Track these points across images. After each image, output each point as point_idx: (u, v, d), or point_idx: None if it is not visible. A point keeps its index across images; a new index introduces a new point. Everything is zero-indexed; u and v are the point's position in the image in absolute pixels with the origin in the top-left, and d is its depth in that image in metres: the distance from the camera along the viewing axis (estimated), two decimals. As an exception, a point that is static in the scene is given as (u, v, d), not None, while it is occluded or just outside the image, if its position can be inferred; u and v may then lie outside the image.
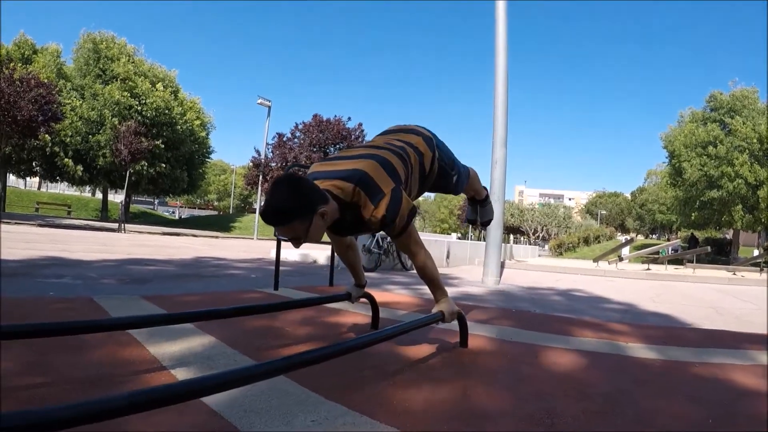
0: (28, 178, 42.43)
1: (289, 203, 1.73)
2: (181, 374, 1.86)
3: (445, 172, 2.51)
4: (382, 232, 8.01)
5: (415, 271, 2.53)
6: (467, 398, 1.74)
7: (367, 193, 1.90)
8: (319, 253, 10.12)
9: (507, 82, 7.56)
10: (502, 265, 12.35)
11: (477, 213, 3.16)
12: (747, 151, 26.64)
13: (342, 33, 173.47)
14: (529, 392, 1.84)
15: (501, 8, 7.66)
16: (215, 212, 74.81)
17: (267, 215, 1.75)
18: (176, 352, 2.20)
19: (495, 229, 7.46)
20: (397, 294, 5.10)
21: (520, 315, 3.99)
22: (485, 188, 3.11)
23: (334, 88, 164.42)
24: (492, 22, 7.75)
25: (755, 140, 26.33)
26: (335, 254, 3.00)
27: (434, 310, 2.28)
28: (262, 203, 1.87)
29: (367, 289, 2.85)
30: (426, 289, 2.46)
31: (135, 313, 3.00)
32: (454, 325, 2.51)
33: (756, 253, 21.05)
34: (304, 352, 1.52)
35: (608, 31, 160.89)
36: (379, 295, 4.00)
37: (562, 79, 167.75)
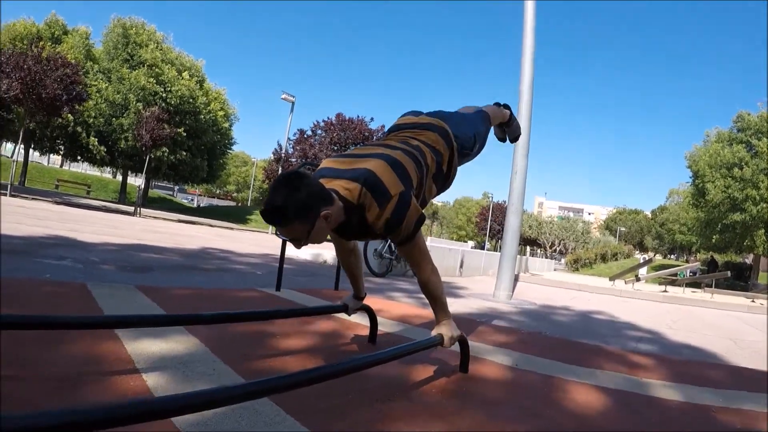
0: (50, 155, 42.94)
1: (290, 203, 1.62)
2: (152, 380, 1.72)
3: (466, 155, 2.49)
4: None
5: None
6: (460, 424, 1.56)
7: (373, 195, 1.78)
8: (330, 253, 9.90)
9: (532, 91, 7.33)
10: (516, 278, 12.12)
11: (504, 133, 3.16)
12: (774, 174, 25.97)
13: (370, 33, 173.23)
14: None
15: (529, 20, 7.47)
16: (234, 203, 75.18)
17: (266, 214, 1.64)
18: (155, 353, 2.05)
19: (510, 241, 7.23)
20: (401, 303, 4.91)
21: (531, 337, 3.79)
22: (506, 108, 3.04)
23: (359, 87, 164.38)
24: (520, 30, 7.56)
25: (782, 164, 25.68)
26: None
27: (433, 333, 2.11)
28: (264, 202, 1.69)
29: (371, 296, 2.70)
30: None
31: (125, 305, 2.88)
32: (456, 345, 2.32)
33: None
34: (283, 376, 1.36)
35: (637, 46, 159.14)
36: (382, 303, 3.83)
37: (588, 93, 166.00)
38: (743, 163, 26.74)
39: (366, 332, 2.85)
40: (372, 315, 2.70)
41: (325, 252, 9.91)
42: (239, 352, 2.25)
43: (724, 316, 9.07)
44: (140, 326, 2.09)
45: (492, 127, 2.97)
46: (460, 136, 2.39)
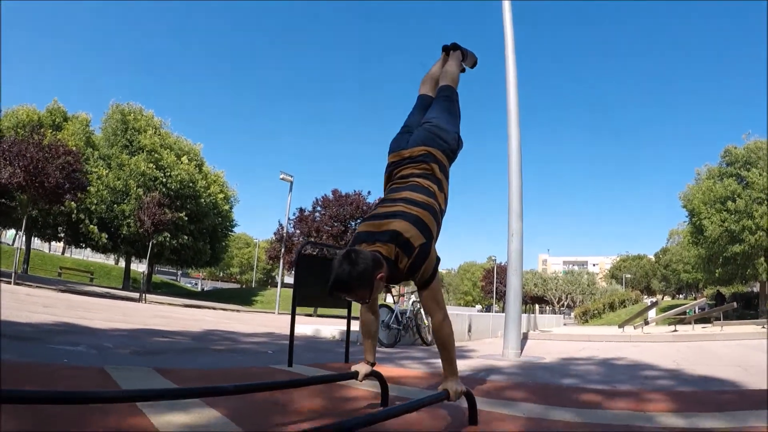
0: (52, 243, 43.19)
1: (354, 276, 2.05)
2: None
3: (455, 155, 2.84)
4: (400, 308, 7.93)
5: (433, 347, 2.54)
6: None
7: (403, 250, 2.25)
8: (328, 328, 10.35)
9: (520, 154, 7.61)
10: (526, 337, 12.09)
11: (464, 66, 3.42)
12: (766, 202, 26.39)
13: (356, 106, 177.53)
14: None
15: (512, 93, 7.85)
16: (238, 285, 74.98)
17: (335, 288, 2.09)
18: (180, 424, 2.17)
19: (513, 300, 7.34)
20: (410, 369, 4.99)
21: (537, 388, 3.88)
22: (453, 50, 3.37)
23: (352, 157, 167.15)
24: (503, 98, 7.94)
25: (773, 191, 26.11)
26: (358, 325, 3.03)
27: (440, 388, 2.31)
28: (331, 277, 2.12)
29: (381, 365, 2.81)
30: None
31: (144, 384, 3.00)
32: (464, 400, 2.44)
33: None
34: None
35: (619, 92, 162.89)
36: (392, 371, 3.93)
37: (578, 146, 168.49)
38: (736, 196, 27.20)
39: (378, 399, 2.90)
40: (382, 379, 2.78)
41: (323, 328, 10.38)
42: (258, 422, 2.37)
43: (734, 345, 9.11)
44: (162, 399, 2.21)
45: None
46: (449, 140, 2.74)
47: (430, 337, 9.04)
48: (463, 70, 3.41)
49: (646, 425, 2.46)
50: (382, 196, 2.70)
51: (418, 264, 2.26)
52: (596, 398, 3.25)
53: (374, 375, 2.73)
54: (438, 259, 2.37)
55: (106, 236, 32.46)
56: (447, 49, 3.41)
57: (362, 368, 2.65)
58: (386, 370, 4.06)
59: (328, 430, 1.56)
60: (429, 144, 2.67)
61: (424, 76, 3.31)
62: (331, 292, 2.11)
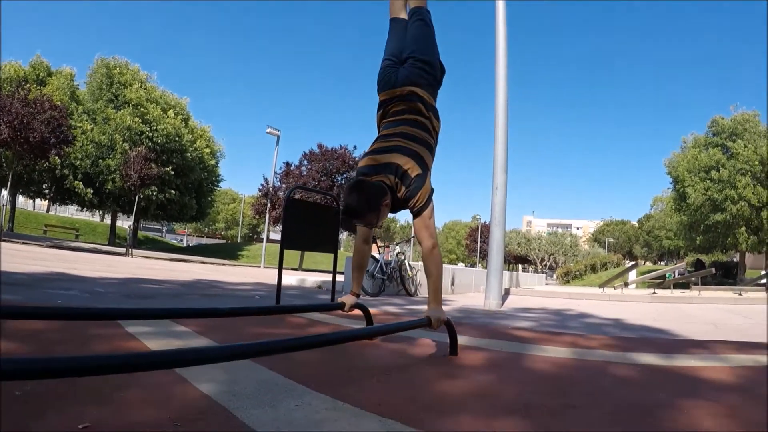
0: (37, 200, 42.82)
1: (362, 203, 2.33)
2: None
3: (439, 83, 2.95)
4: (384, 259, 8.03)
5: (416, 297, 2.70)
6: (449, 391, 1.83)
7: (402, 181, 2.48)
8: (313, 278, 10.62)
9: (507, 107, 7.63)
10: (507, 292, 12.31)
11: None
12: (749, 173, 26.76)
13: (347, 59, 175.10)
14: (511, 390, 1.92)
15: (501, 47, 7.82)
16: (223, 241, 74.87)
17: (346, 213, 2.36)
18: (173, 347, 2.30)
19: (496, 252, 7.47)
20: (393, 313, 5.16)
21: (507, 331, 4.07)
22: None
23: (340, 112, 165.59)
24: (492, 59, 7.92)
25: (757, 162, 26.47)
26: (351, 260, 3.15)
27: (423, 315, 2.49)
28: (340, 205, 2.47)
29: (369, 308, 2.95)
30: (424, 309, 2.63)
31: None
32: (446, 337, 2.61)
33: (763, 272, 20.85)
34: (287, 339, 1.61)
35: (611, 58, 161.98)
36: (376, 311, 4.07)
37: (568, 107, 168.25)
38: (720, 166, 27.51)
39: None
40: (366, 309, 2.94)
41: (309, 278, 10.66)
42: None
43: (710, 309, 9.24)
44: (157, 318, 2.33)
45: None
46: (433, 72, 2.86)
47: (413, 288, 9.22)
48: None
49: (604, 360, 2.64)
50: (376, 134, 2.81)
51: (414, 192, 2.48)
52: (551, 337, 3.44)
53: (359, 307, 2.88)
54: (432, 190, 2.62)
55: (92, 192, 32.22)
56: None
57: (348, 299, 2.81)
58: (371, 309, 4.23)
59: (318, 339, 1.68)
60: (416, 83, 2.76)
61: None
62: (343, 219, 2.43)
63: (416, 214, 2.54)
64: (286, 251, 4.36)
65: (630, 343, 3.43)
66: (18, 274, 6.20)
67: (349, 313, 2.90)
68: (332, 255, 4.91)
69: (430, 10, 3.07)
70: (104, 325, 2.69)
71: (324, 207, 5.30)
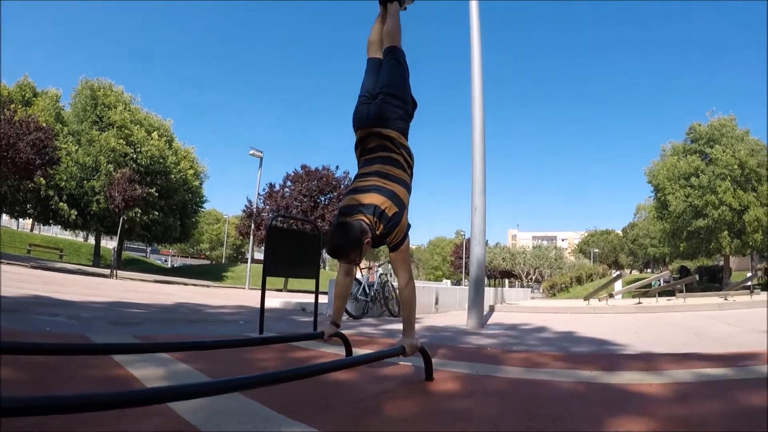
0: (20, 220, 42.45)
1: (346, 243, 2.50)
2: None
3: (411, 117, 3.14)
4: (368, 280, 8.12)
5: (400, 317, 2.87)
6: (421, 415, 1.94)
7: (380, 220, 2.62)
8: (296, 299, 10.76)
9: (484, 132, 7.81)
10: (492, 309, 12.38)
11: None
12: (729, 177, 27.10)
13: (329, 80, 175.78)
14: (482, 414, 2.03)
15: (476, 74, 8.01)
16: (208, 261, 74.35)
17: (332, 253, 2.57)
18: (157, 377, 2.40)
19: (477, 271, 7.59)
20: (375, 338, 5.24)
21: (487, 353, 4.20)
22: (396, 6, 3.44)
23: (322, 133, 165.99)
24: (467, 82, 8.10)
25: (736, 166, 26.83)
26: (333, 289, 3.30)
27: (397, 344, 2.65)
28: (326, 243, 2.71)
29: (346, 331, 3.07)
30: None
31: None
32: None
33: (749, 275, 21.07)
34: (267, 373, 1.72)
35: (589, 68, 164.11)
36: (356, 337, 4.16)
37: (548, 120, 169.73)
38: (699, 172, 27.88)
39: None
40: (345, 338, 3.07)
41: (293, 300, 10.83)
42: (227, 374, 2.60)
43: (694, 316, 9.31)
44: (143, 352, 2.42)
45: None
46: (404, 106, 3.02)
47: (397, 309, 9.28)
48: (404, 9, 3.53)
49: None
50: (355, 170, 3.02)
51: (391, 230, 2.64)
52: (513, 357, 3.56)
53: (338, 336, 3.01)
54: (408, 226, 2.76)
55: (76, 213, 32.05)
56: (384, 1, 3.46)
57: (328, 329, 2.95)
58: (350, 335, 4.33)
59: (294, 373, 1.78)
60: (386, 116, 2.92)
61: (368, 37, 3.44)
62: (333, 256, 2.59)
63: (393, 249, 2.71)
64: (270, 273, 4.47)
65: (582, 359, 3.65)
66: (4, 298, 6.23)
67: (328, 341, 3.02)
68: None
69: (404, 51, 3.24)
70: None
71: (305, 234, 5.42)
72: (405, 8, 3.55)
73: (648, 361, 3.47)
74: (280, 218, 22.91)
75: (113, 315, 5.95)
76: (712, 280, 31.86)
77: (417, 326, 6.64)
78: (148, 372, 2.50)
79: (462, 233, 63.75)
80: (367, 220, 2.60)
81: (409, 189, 2.86)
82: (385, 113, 2.91)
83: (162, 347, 2.55)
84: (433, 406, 2.14)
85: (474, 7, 8.21)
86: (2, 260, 18.46)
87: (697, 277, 18.51)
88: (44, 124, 22.64)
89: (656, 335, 5.96)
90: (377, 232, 2.64)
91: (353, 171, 3.05)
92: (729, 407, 2.08)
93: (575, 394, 2.44)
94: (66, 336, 3.59)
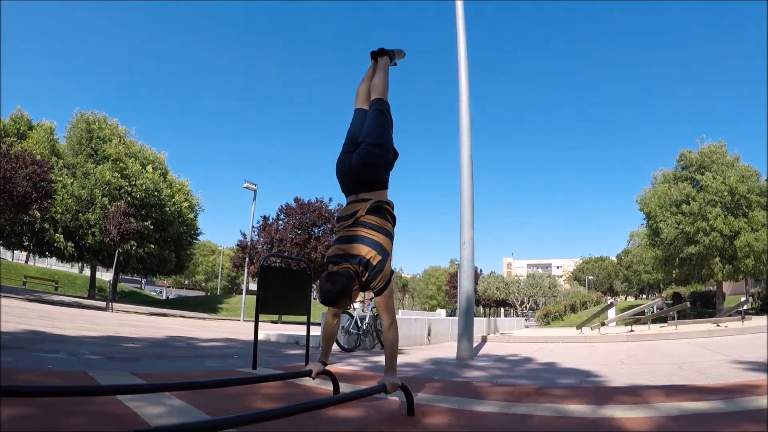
0: (15, 251, 42.44)
1: (336, 291, 2.73)
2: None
3: (392, 163, 3.33)
4: (360, 314, 8.31)
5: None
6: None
7: (365, 268, 2.86)
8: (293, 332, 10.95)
9: (472, 168, 8.08)
10: (484, 340, 12.49)
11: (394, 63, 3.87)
12: (719, 204, 27.42)
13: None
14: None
15: (464, 105, 8.32)
16: (203, 293, 74.33)
17: (324, 302, 2.81)
18: (158, 413, 2.58)
19: (465, 303, 7.79)
20: (362, 372, 5.38)
21: (471, 387, 4.37)
22: (381, 56, 3.71)
23: (316, 167, 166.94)
24: (455, 115, 8.40)
25: (726, 193, 27.14)
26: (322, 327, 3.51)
27: (379, 382, 2.85)
28: (318, 292, 2.94)
29: (336, 365, 3.27)
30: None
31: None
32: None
33: (743, 299, 21.15)
34: (261, 411, 1.91)
35: (580, 93, 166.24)
36: (345, 370, 4.33)
37: (543, 151, 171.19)
38: (690, 199, 28.16)
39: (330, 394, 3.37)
40: (332, 375, 3.25)
41: (286, 333, 11.06)
42: (223, 410, 2.77)
43: (683, 344, 9.44)
44: (144, 392, 2.60)
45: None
46: (384, 156, 3.20)
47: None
48: (394, 65, 3.81)
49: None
50: (343, 203, 3.26)
51: (375, 276, 2.86)
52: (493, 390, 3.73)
53: (326, 373, 3.20)
54: (392, 272, 3.00)
55: (72, 245, 32.16)
56: (375, 55, 3.71)
57: (316, 367, 3.12)
58: (338, 369, 4.51)
59: (283, 410, 1.97)
60: (368, 162, 3.13)
61: (357, 88, 3.65)
62: (325, 304, 2.86)
63: (377, 293, 2.93)
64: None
65: (567, 393, 3.81)
66: (6, 335, 6.38)
67: (315, 379, 3.22)
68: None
69: (389, 103, 3.45)
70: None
71: (297, 272, 5.62)
72: (395, 63, 3.81)
73: (628, 394, 3.64)
74: (273, 257, 23.12)
75: (110, 351, 6.09)
76: (706, 306, 31.99)
77: (408, 358, 6.89)
78: (149, 410, 2.66)
79: (456, 262, 63.59)
80: (353, 269, 2.83)
81: (391, 238, 3.07)
82: (366, 161, 3.10)
83: (162, 387, 2.72)
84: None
85: (461, 30, 8.56)
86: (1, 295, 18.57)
87: (688, 304, 18.66)
88: (39, 158, 22.88)
89: (640, 366, 6.09)
90: (363, 279, 2.86)
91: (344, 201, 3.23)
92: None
93: (553, 427, 2.62)
94: (68, 374, 3.74)
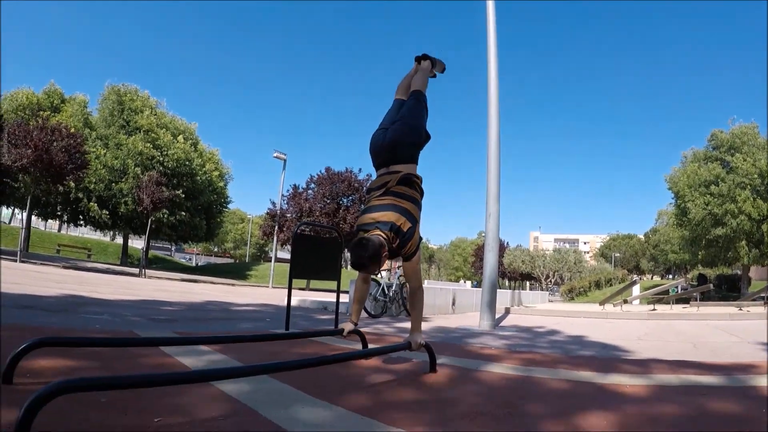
0: (48, 221, 43.86)
1: (367, 257, 2.87)
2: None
3: (423, 144, 3.50)
4: (387, 281, 8.58)
5: None
6: (421, 399, 2.38)
7: (396, 234, 3.01)
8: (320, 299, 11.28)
9: (499, 141, 8.16)
10: (507, 311, 12.67)
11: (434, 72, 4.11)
12: (749, 187, 26.89)
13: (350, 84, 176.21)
14: (468, 401, 2.48)
15: (493, 79, 8.39)
16: (231, 260, 75.66)
17: (355, 266, 2.97)
18: (204, 362, 2.88)
19: (489, 275, 7.96)
20: (388, 335, 5.68)
21: (490, 352, 4.62)
22: (424, 60, 3.99)
23: (347, 135, 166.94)
24: (484, 97, 8.45)
25: (756, 176, 26.59)
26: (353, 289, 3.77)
27: (404, 340, 3.14)
28: (349, 257, 3.15)
29: (365, 329, 3.54)
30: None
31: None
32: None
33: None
34: (297, 360, 2.18)
35: (613, 71, 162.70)
36: (370, 333, 4.61)
37: (575, 126, 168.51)
38: (720, 180, 27.60)
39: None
40: (361, 334, 3.54)
41: (315, 298, 11.52)
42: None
43: (701, 325, 9.43)
44: (189, 344, 2.90)
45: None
46: (416, 135, 3.40)
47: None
48: (433, 76, 4.06)
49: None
50: (372, 175, 3.51)
51: (405, 243, 3.03)
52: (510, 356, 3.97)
53: (356, 332, 3.47)
54: (420, 239, 3.17)
55: (107, 213, 33.15)
56: (419, 59, 4.00)
57: (347, 326, 3.42)
58: (366, 331, 4.80)
59: (313, 360, 2.24)
60: (400, 140, 3.33)
61: (399, 82, 3.93)
62: (357, 269, 3.01)
63: (406, 259, 3.13)
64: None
65: (577, 360, 4.04)
66: (47, 298, 6.80)
67: (347, 337, 3.48)
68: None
69: (427, 96, 3.69)
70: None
71: (327, 239, 5.87)
72: (434, 75, 4.08)
73: (636, 365, 3.84)
74: (304, 225, 23.57)
75: (150, 313, 6.45)
76: (731, 290, 31.58)
77: (432, 325, 7.19)
78: (192, 361, 2.97)
79: (484, 235, 63.29)
80: (384, 235, 2.98)
81: (419, 206, 3.24)
82: (400, 136, 3.32)
83: (202, 340, 3.02)
84: (429, 395, 2.57)
85: (491, 9, 8.54)
86: (35, 261, 19.30)
87: (712, 285, 18.47)
88: (74, 130, 23.55)
89: (655, 343, 6.20)
90: (393, 245, 3.03)
91: (374, 173, 3.45)
92: (693, 410, 2.37)
93: (558, 390, 2.85)
94: (117, 332, 4.09)
